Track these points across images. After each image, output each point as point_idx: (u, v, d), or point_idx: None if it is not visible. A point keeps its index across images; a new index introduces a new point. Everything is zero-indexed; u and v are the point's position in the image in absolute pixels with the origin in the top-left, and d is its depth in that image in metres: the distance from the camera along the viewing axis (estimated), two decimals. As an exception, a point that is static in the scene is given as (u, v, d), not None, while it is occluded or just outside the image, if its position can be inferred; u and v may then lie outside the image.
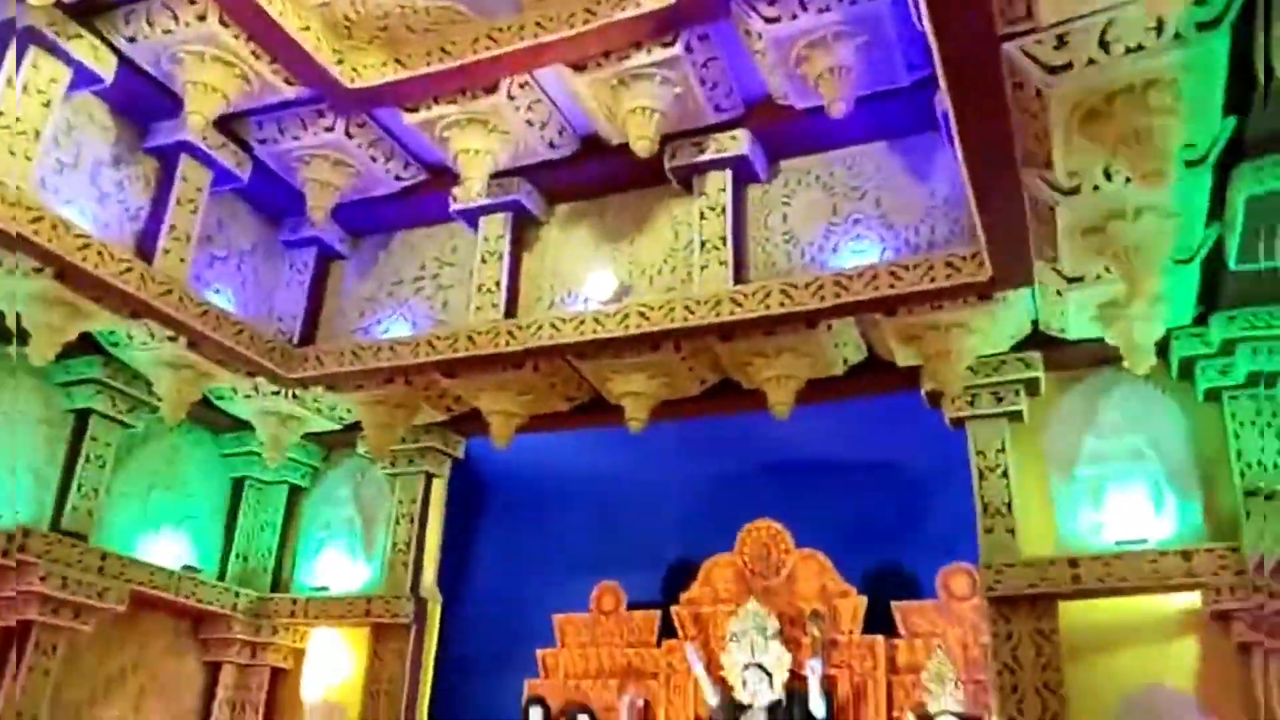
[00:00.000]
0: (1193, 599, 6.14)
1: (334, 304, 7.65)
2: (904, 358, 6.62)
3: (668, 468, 9.94)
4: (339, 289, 7.67)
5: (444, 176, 6.92)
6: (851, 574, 9.16)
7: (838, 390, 7.01)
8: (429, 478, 8.54)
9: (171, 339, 6.79)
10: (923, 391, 6.91)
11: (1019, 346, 6.60)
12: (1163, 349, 6.34)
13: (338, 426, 8.27)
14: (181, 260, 6.58)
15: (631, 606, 9.79)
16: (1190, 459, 6.37)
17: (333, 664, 8.47)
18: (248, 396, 7.70)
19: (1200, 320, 6.29)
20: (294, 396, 7.70)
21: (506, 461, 9.31)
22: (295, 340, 7.45)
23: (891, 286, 5.77)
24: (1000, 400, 6.70)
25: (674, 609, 9.43)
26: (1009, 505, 6.56)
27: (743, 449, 9.74)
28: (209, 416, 8.27)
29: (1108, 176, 4.89)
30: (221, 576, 8.53)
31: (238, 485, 8.82)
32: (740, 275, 6.30)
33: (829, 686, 8.44)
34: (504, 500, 10.22)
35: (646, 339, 6.48)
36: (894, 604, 8.85)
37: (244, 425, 8.25)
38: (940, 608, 8.72)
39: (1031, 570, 6.29)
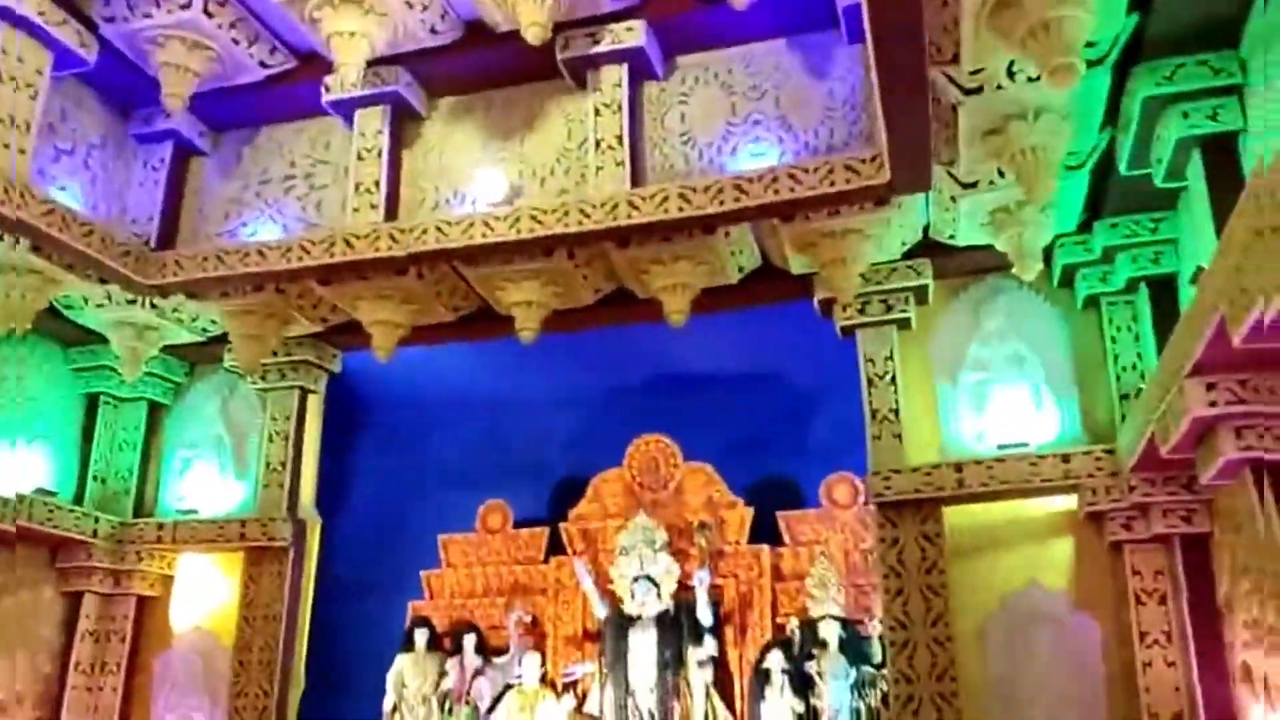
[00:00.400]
0: (1069, 501, 6.35)
1: (194, 204, 7.03)
2: (798, 265, 6.53)
3: (554, 383, 9.78)
4: (199, 188, 7.04)
5: (315, 64, 6.34)
6: (738, 486, 9.26)
7: (732, 299, 6.89)
8: (304, 393, 8.07)
9: (12, 241, 6.12)
10: (815, 300, 6.86)
11: (909, 254, 6.59)
12: (1046, 257, 6.41)
13: (201, 339, 7.70)
14: (22, 152, 5.87)
15: (518, 525, 9.67)
16: (1069, 364, 6.53)
17: (204, 590, 8.03)
18: (100, 306, 7.07)
19: (1084, 228, 6.40)
20: (152, 306, 7.09)
21: (385, 376, 8.90)
22: (152, 244, 6.82)
23: (791, 190, 5.61)
24: (890, 308, 6.71)
25: (562, 526, 9.36)
26: (896, 412, 6.61)
27: (630, 363, 9.65)
28: (57, 327, 7.58)
29: (1010, 76, 4.82)
30: (79, 500, 7.93)
31: (91, 401, 8.16)
32: (637, 178, 6.04)
33: (716, 596, 8.56)
34: (383, 417, 9.86)
35: (539, 244, 6.18)
36: (779, 514, 8.99)
37: (97, 337, 7.59)
38: (823, 516, 8.91)
39: (918, 475, 6.38)
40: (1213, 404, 4.28)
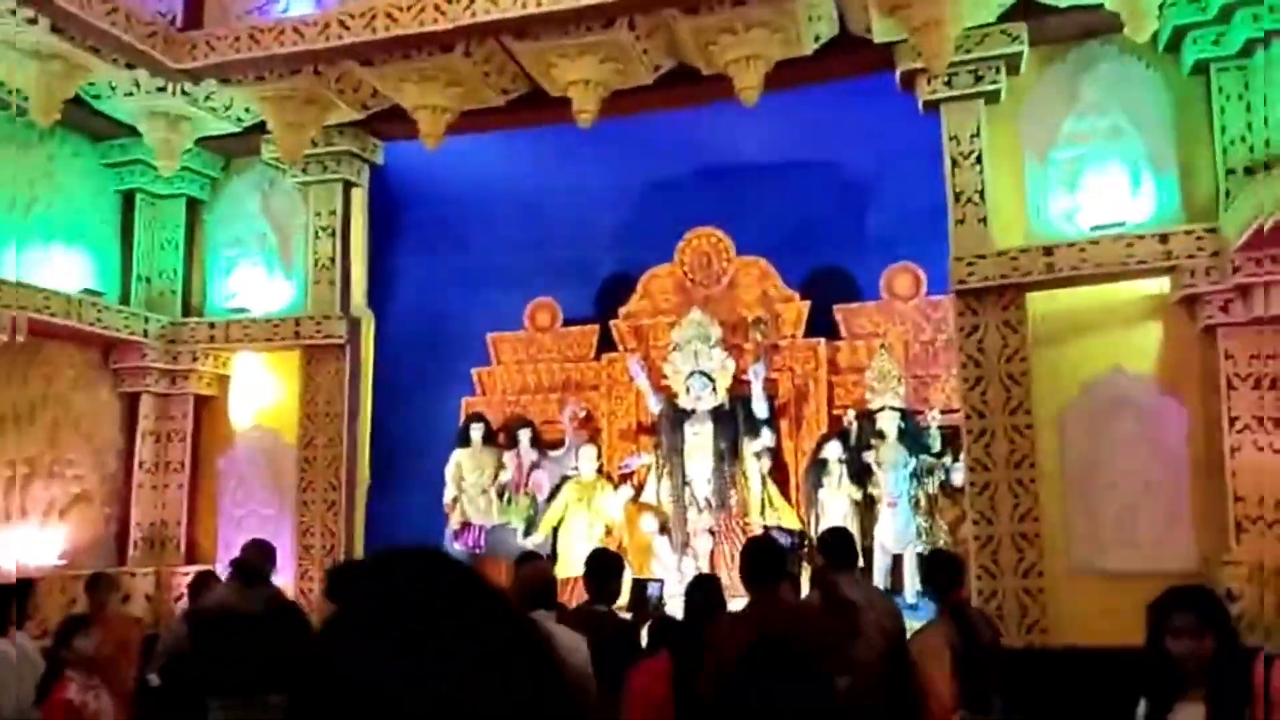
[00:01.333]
0: (1161, 285, 6.01)
1: (220, -22, 6.45)
2: (882, 32, 5.95)
3: (601, 175, 9.30)
4: (225, -42, 6.44)
5: None
6: (793, 279, 8.98)
7: (807, 73, 6.34)
8: (347, 186, 7.70)
9: (31, 20, 5.61)
10: (897, 72, 6.31)
11: (1004, 17, 5.98)
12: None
13: (237, 129, 7.29)
14: (26, -84, 5.30)
15: (567, 323, 9.54)
16: (1171, 137, 6.02)
17: (262, 388, 7.96)
18: (129, 94, 6.62)
19: (1200, -15, 5.74)
20: (183, 92, 6.64)
21: (427, 169, 8.52)
22: (178, 23, 6.30)
23: (884, -60, 4.99)
24: (979, 79, 6.15)
25: (613, 323, 9.18)
26: (982, 193, 6.19)
27: (679, 152, 9.14)
28: (86, 120, 7.15)
29: None
30: (125, 301, 7.74)
31: (128, 200, 7.83)
32: (706, -70, 5.40)
33: (771, 389, 8.43)
34: (426, 213, 9.49)
35: (598, 12, 5.64)
36: (836, 307, 8.74)
37: (128, 130, 7.17)
38: (882, 308, 8.66)
39: (1004, 260, 6.03)
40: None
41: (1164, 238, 5.78)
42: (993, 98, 6.23)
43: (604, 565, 4.59)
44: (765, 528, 7.62)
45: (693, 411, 8.35)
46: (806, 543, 7.48)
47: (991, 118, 6.26)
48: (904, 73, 6.29)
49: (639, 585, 4.67)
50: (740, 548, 7.79)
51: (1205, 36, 5.83)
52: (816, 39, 6.08)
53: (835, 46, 6.24)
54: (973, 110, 6.22)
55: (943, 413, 7.83)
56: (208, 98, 6.79)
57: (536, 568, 4.09)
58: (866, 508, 7.83)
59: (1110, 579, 5.71)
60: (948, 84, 6.16)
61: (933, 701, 3.87)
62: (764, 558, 3.67)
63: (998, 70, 6.13)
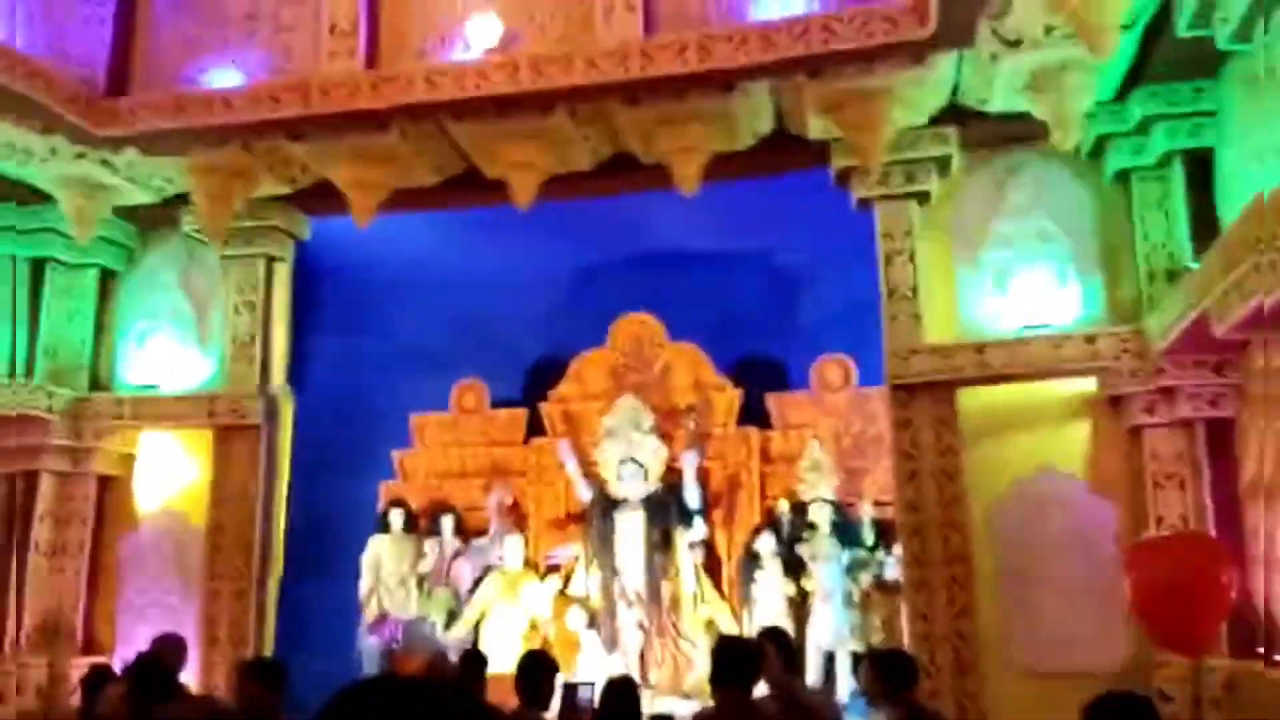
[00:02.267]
0: (1087, 384, 6.18)
1: (146, 46, 6.34)
2: (818, 130, 6.11)
3: (532, 258, 9.28)
4: (150, 23, 6.33)
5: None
6: (726, 366, 9.04)
7: (743, 166, 6.48)
8: (271, 261, 7.54)
9: (-61, 83, 5.44)
10: (833, 168, 6.46)
11: (935, 120, 6.20)
12: (1080, 127, 6.08)
13: (157, 199, 7.10)
14: (-59, -24, 5.17)
15: (495, 405, 9.44)
16: (1095, 242, 6.28)
17: (170, 469, 7.62)
18: (44, 160, 6.41)
19: (1120, 96, 6.04)
20: (103, 161, 6.46)
21: (356, 246, 8.39)
22: (102, 89, 6.16)
23: (824, 42, 5.17)
24: (911, 179, 6.35)
25: (543, 406, 9.10)
26: (914, 290, 6.33)
27: (612, 237, 9.20)
28: (-3, 186, 6.91)
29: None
30: (28, 374, 7.38)
31: (37, 268, 7.52)
32: (650, 25, 5.53)
33: (704, 478, 8.41)
34: (354, 290, 9.32)
35: (538, 98, 5.68)
36: (769, 396, 8.81)
37: (42, 196, 6.93)
38: (814, 399, 8.74)
39: (936, 357, 6.15)
40: None
41: (1090, 338, 5.96)
42: (924, 198, 6.42)
43: (539, 667, 4.42)
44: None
45: (624, 500, 8.27)
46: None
47: (924, 216, 6.45)
48: (839, 170, 6.44)
49: (570, 690, 4.50)
50: (671, 643, 7.85)
51: (1126, 146, 6.13)
52: (754, 134, 6.22)
53: (773, 141, 6.39)
54: (905, 209, 6.40)
55: (875, 505, 7.90)
56: (128, 166, 6.62)
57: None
58: (800, 603, 7.79)
59: (1046, 679, 5.72)
60: (881, 182, 6.33)
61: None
62: (736, 660, 3.50)
63: (929, 171, 6.33)
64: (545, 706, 4.25)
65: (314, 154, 6.35)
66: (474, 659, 4.88)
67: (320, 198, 7.07)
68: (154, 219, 7.58)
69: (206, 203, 6.57)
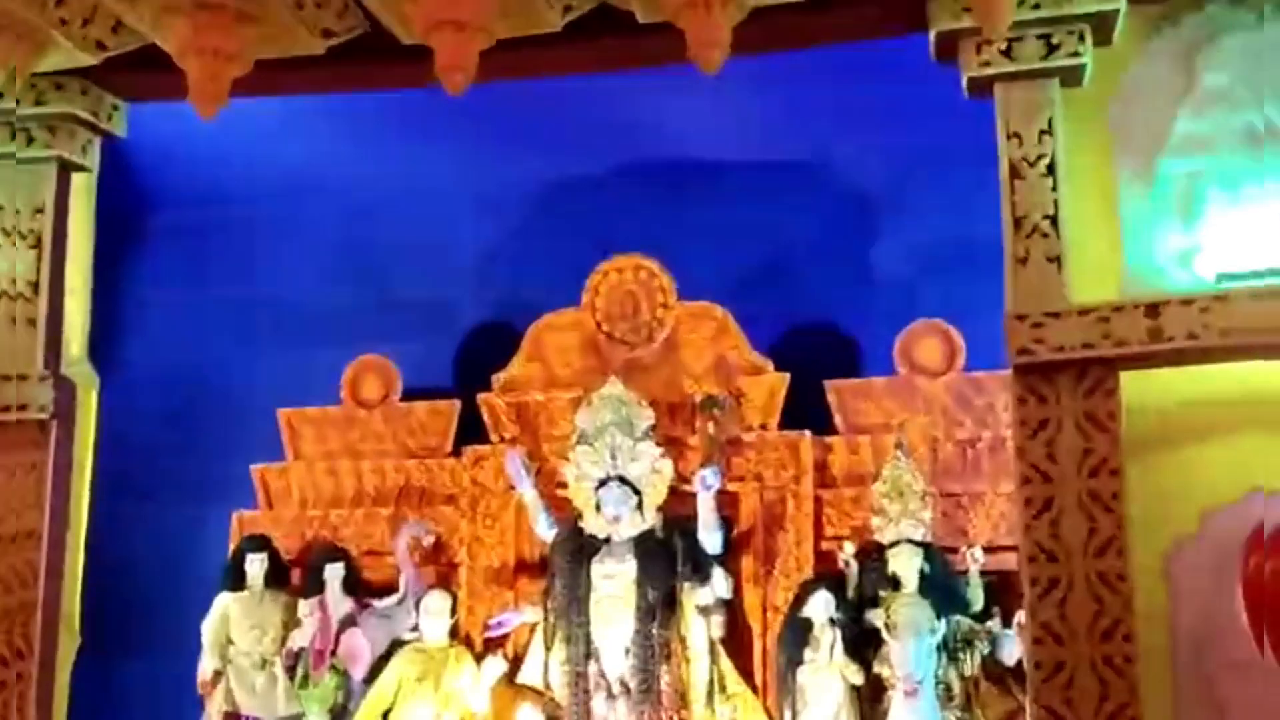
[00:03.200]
0: (1320, 365, 6.17)
1: None
2: (912, -29, 6.09)
3: (470, 172, 9.37)
4: None
5: None
6: (764, 339, 9.10)
7: (795, 30, 6.44)
8: (65, 169, 7.49)
9: None
10: (932, 32, 6.43)
11: (1092, -40, 6.18)
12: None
13: (-105, 73, 7.07)
14: None
15: (410, 395, 9.53)
16: (1334, 146, 6.25)
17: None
18: None
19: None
20: None
21: (196, 150, 8.50)
22: None
23: None
24: (1053, 49, 6.29)
25: (482, 397, 9.16)
26: (1055, 221, 6.28)
27: (594, 141, 9.34)
28: None
29: None
30: None
31: None
32: None
33: (728, 509, 8.51)
34: (192, 217, 9.38)
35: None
36: (829, 384, 8.86)
37: None
38: (898, 387, 8.81)
39: (1087, 321, 6.09)
40: None
41: (1330, 294, 5.95)
42: (1072, 77, 6.38)
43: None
44: None
45: (606, 541, 8.36)
46: None
47: (1071, 108, 6.40)
48: (941, 34, 6.41)
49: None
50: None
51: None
52: (815, -23, 6.18)
53: (844, -6, 6.37)
54: (1043, 95, 6.35)
55: (987, 551, 7.96)
56: None
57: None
58: (872, 697, 7.85)
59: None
60: (1007, 54, 6.29)
61: None
62: None
63: (1081, 37, 6.29)
64: None
65: (134, 4, 6.30)
66: None
67: (143, 72, 7.03)
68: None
69: (-36, 77, 6.54)
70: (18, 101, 7.12)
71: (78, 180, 7.63)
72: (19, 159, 7.45)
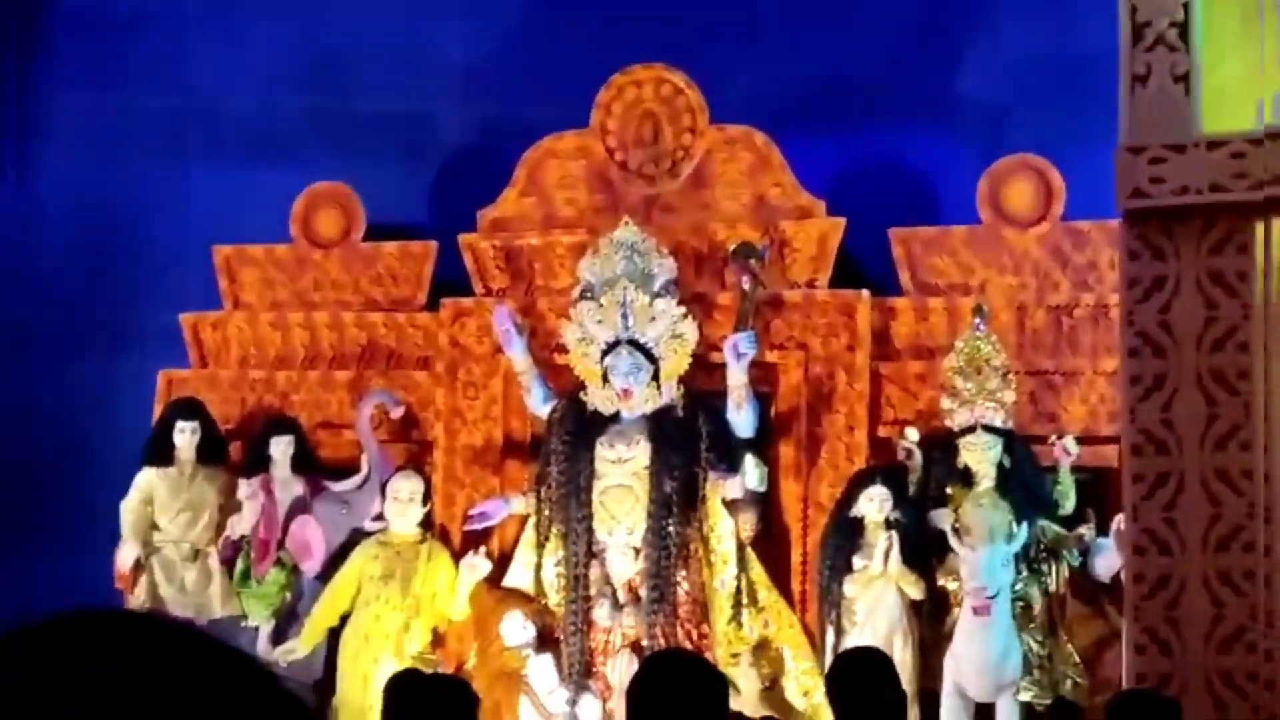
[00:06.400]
0: None
1: None
2: None
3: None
4: None
5: None
6: (814, 175, 9.06)
7: None
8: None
9: None
10: None
11: None
12: None
13: None
14: None
15: (376, 234, 9.54)
16: None
17: None
18: None
19: None
20: None
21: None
22: None
23: None
24: None
25: (463, 238, 9.18)
26: (1184, 29, 6.25)
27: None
28: None
29: None
30: None
31: None
32: None
33: (765, 382, 8.56)
34: (99, 6, 9.30)
35: None
36: (893, 232, 8.87)
37: None
38: (979, 238, 8.80)
39: (1221, 158, 6.10)
40: None
41: None
42: None
43: (423, 703, 4.54)
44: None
45: (614, 418, 8.41)
46: None
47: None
48: None
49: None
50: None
51: None
52: None
53: None
54: None
55: (1082, 442, 8.01)
56: None
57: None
58: (934, 614, 7.96)
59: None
60: None
61: None
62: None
63: None
64: None
65: None
66: None
67: None
68: None
69: None
70: None
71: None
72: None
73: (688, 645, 8.00)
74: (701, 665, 3.36)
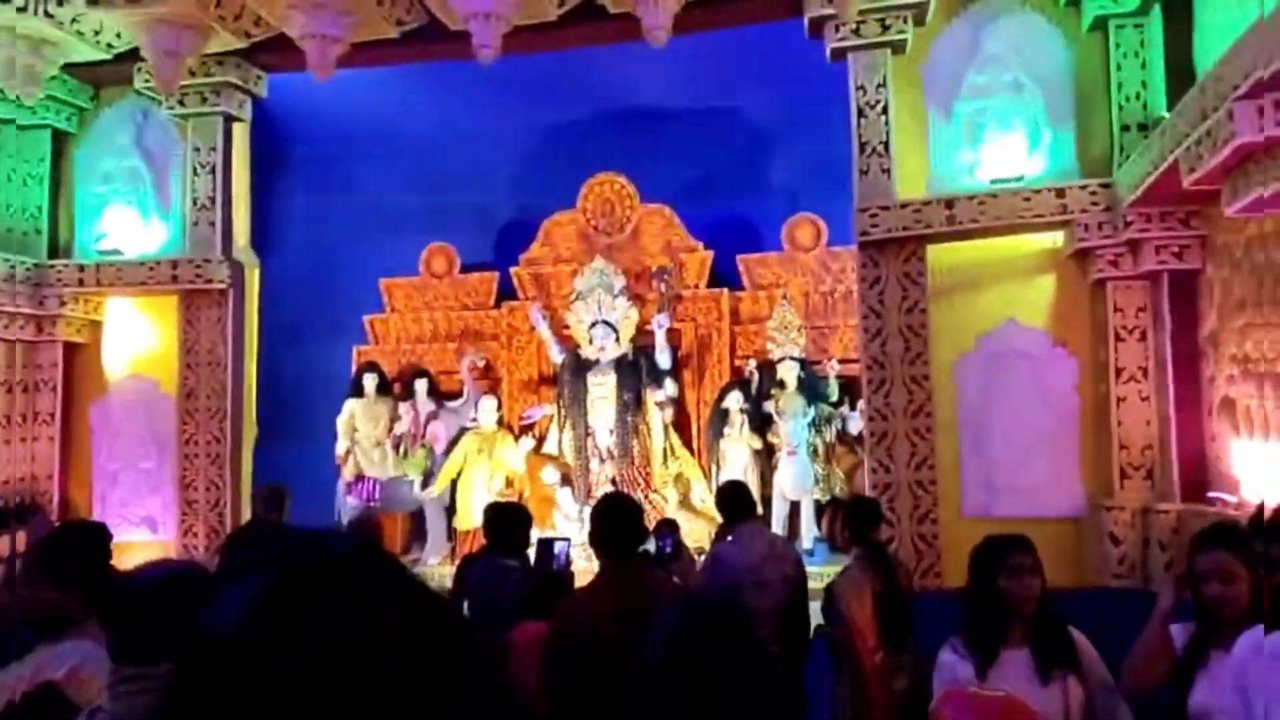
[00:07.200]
0: (1054, 238, 6.16)
1: (83, -112, 5.91)
2: (792, -24, 5.85)
3: (501, 116, 9.07)
4: None
5: None
6: (697, 227, 8.90)
7: (715, 17, 6.28)
8: (229, 120, 7.25)
9: None
10: (806, 17, 6.23)
11: (912, -34, 5.96)
12: (1057, -29, 5.88)
13: (108, 56, 6.76)
14: None
15: (465, 269, 9.29)
16: (1069, 94, 6.12)
17: (138, 335, 7.52)
18: (-18, 13, 6.04)
19: (1101, -62, 5.82)
20: (47, 14, 6.10)
21: (317, 104, 8.17)
22: (37, -64, 5.76)
23: (798, -122, 4.87)
24: (886, 28, 6.13)
25: (513, 270, 8.97)
26: (886, 145, 6.20)
27: (580, 95, 8.98)
28: (-68, 41, 6.51)
29: None
30: (-16, 240, 7.17)
31: (-14, 130, 7.23)
32: None
33: (675, 340, 8.42)
34: (316, 150, 9.08)
35: (499, -58, 5.36)
36: (739, 257, 8.73)
37: (-18, 52, 6.57)
38: (784, 259, 8.68)
39: (906, 212, 6.07)
40: (1262, 129, 3.95)
41: (1060, 192, 5.90)
42: (899, 48, 6.23)
43: (507, 518, 4.50)
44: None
45: (596, 362, 8.27)
46: None
47: (897, 68, 6.27)
48: (813, 19, 6.23)
49: (545, 544, 4.56)
50: (643, 497, 7.98)
51: (1105, -9, 5.93)
52: (726, -20, 5.95)
53: (744, -11, 6.12)
54: (879, 60, 6.21)
55: (840, 363, 7.96)
56: (74, 20, 6.27)
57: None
58: (766, 457, 7.91)
59: (1003, 524, 5.81)
60: (855, 32, 6.13)
61: (858, 640, 3.89)
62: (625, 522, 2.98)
63: (905, 20, 6.12)
64: (512, 552, 4.34)
65: (267, 3, 6.01)
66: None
67: (277, 52, 6.77)
68: (106, 77, 7.27)
69: (158, 58, 6.24)
70: (193, 73, 6.87)
71: (237, 128, 7.42)
72: (199, 114, 7.22)
73: (640, 480, 8.02)
74: (625, 498, 3.26)
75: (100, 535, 2.43)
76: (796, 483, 7.68)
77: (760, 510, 7.34)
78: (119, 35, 6.51)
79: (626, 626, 1.96)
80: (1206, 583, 2.56)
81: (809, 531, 7.65)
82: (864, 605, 3.85)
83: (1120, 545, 5.68)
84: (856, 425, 7.42)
